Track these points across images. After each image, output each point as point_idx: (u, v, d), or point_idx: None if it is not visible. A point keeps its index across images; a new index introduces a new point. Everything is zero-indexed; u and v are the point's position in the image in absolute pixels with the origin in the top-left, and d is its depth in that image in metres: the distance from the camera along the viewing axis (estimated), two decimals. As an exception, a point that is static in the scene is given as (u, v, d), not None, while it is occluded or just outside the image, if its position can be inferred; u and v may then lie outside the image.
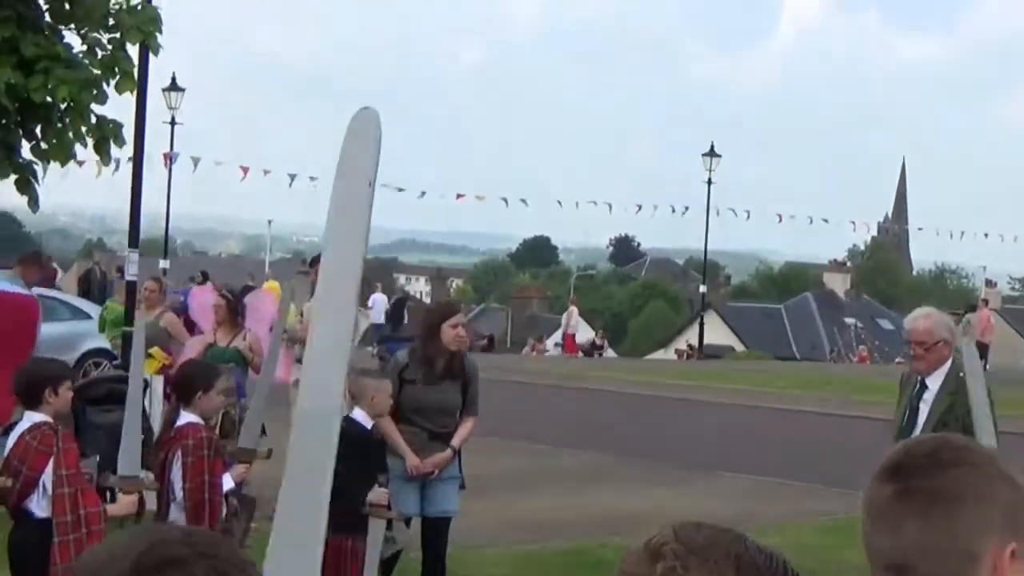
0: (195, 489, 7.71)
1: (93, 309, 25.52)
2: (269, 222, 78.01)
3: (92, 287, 33.63)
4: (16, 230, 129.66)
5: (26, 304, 12.61)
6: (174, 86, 43.69)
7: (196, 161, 44.53)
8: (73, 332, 23.31)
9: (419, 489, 9.68)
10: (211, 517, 7.75)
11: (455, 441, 9.80)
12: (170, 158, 43.30)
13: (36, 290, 15.49)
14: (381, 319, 40.71)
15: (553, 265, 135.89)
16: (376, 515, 8.30)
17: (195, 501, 7.72)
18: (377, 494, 8.55)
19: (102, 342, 21.54)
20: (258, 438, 8.22)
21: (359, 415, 8.85)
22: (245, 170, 47.54)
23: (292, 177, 48.35)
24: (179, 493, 7.77)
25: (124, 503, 7.26)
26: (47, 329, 23.26)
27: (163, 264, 44.70)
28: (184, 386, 8.10)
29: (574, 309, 52.17)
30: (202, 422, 7.91)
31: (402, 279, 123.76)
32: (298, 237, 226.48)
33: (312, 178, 47.59)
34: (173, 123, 43.53)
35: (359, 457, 8.56)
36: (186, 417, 7.90)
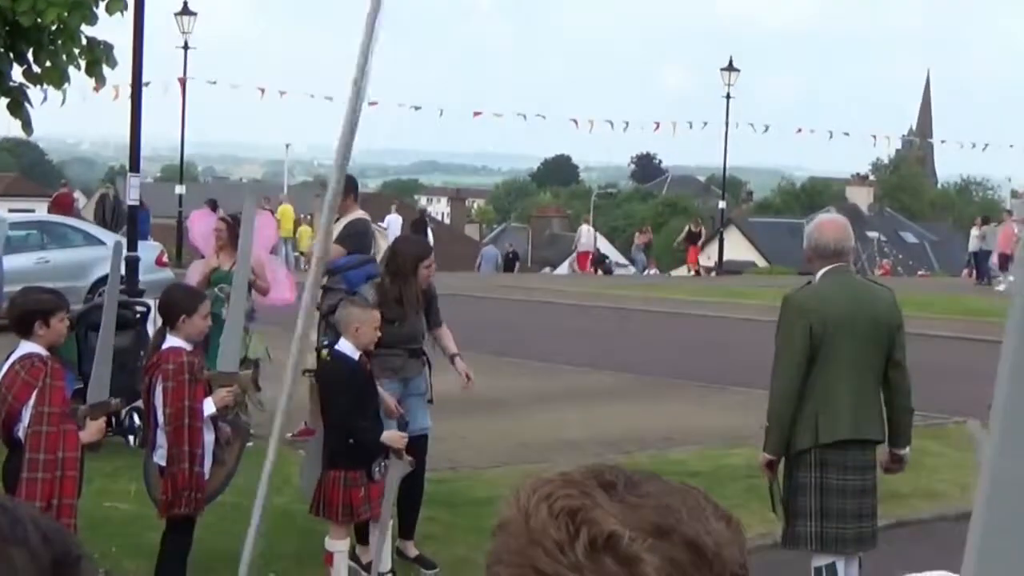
0: (176, 414, 7.63)
1: (107, 235, 25.45)
2: (287, 146, 77.81)
3: (106, 213, 33.43)
4: (39, 158, 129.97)
5: None
6: (186, 10, 43.56)
7: (212, 84, 44.56)
8: (86, 258, 23.34)
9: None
10: (191, 442, 7.68)
11: (455, 352, 10.05)
12: (183, 82, 43.36)
13: (49, 216, 15.34)
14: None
15: (574, 184, 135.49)
16: (397, 456, 8.20)
17: (175, 426, 7.65)
18: (392, 436, 8.45)
19: (115, 268, 21.51)
20: (238, 361, 8.10)
21: (345, 347, 8.52)
22: (262, 91, 47.56)
23: (310, 97, 48.29)
24: (161, 418, 7.69)
25: (92, 430, 7.18)
26: (61, 255, 23.49)
27: (179, 189, 44.78)
28: (168, 310, 7.97)
29: (586, 227, 51.11)
30: (187, 346, 7.79)
31: (423, 200, 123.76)
32: (319, 161, 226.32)
33: (328, 98, 47.51)
34: (186, 48, 43.46)
35: (350, 388, 8.43)
36: (170, 341, 7.80)
